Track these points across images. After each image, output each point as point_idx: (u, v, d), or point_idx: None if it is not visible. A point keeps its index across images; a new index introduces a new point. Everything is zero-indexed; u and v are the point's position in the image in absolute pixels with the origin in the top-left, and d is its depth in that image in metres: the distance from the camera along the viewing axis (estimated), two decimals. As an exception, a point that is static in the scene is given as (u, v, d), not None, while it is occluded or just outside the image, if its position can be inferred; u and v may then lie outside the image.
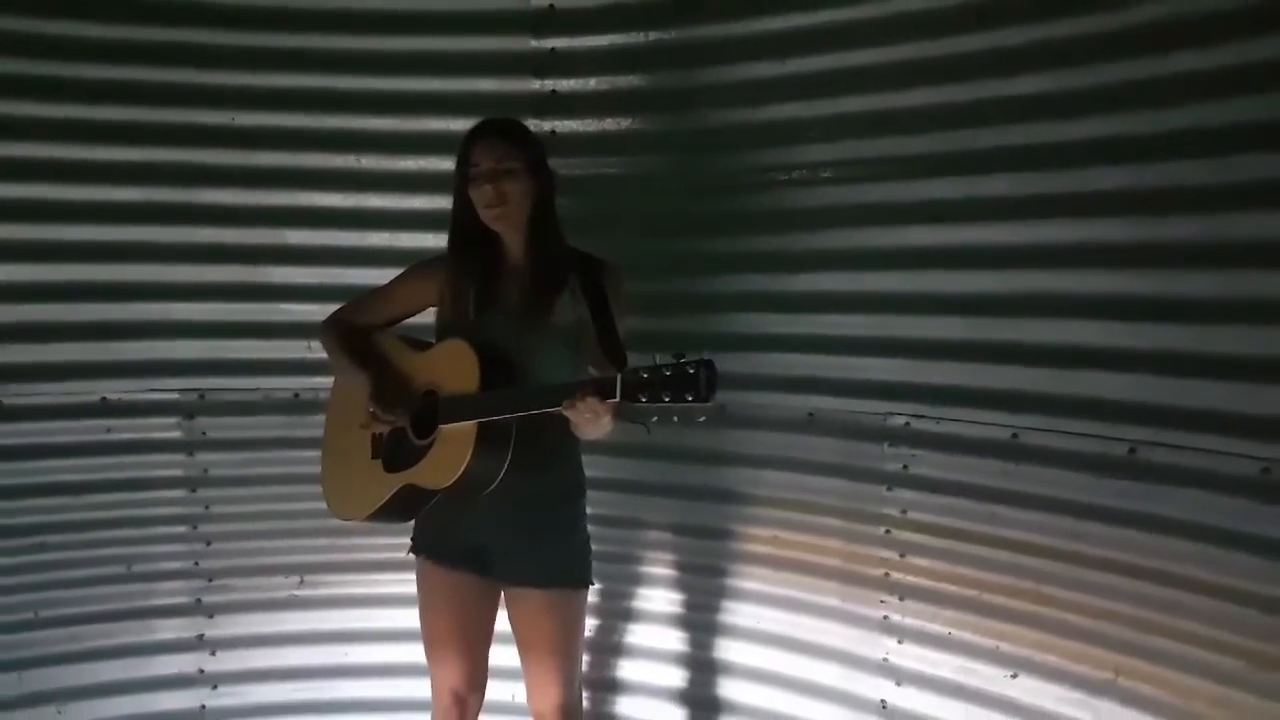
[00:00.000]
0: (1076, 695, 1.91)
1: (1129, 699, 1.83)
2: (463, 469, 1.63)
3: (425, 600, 1.89)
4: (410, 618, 2.40)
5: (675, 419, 1.42)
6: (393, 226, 2.36)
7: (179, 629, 2.49)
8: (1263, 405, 1.61)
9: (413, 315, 1.93)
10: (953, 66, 1.91)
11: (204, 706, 2.51)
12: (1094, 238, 1.79)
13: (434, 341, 1.85)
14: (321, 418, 2.33)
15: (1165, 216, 1.69)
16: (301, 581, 2.51)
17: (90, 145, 2.23)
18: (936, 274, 2.00)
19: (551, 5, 2.26)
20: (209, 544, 2.47)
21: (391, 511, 1.79)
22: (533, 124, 2.14)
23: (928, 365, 2.04)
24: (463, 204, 1.75)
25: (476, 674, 1.90)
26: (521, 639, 1.85)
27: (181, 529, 2.45)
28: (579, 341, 1.72)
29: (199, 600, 2.49)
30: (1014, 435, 1.94)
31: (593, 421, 1.52)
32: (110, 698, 2.44)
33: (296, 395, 2.41)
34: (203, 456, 2.43)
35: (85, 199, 2.26)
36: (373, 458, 1.82)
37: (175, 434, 2.41)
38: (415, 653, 2.40)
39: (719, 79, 2.21)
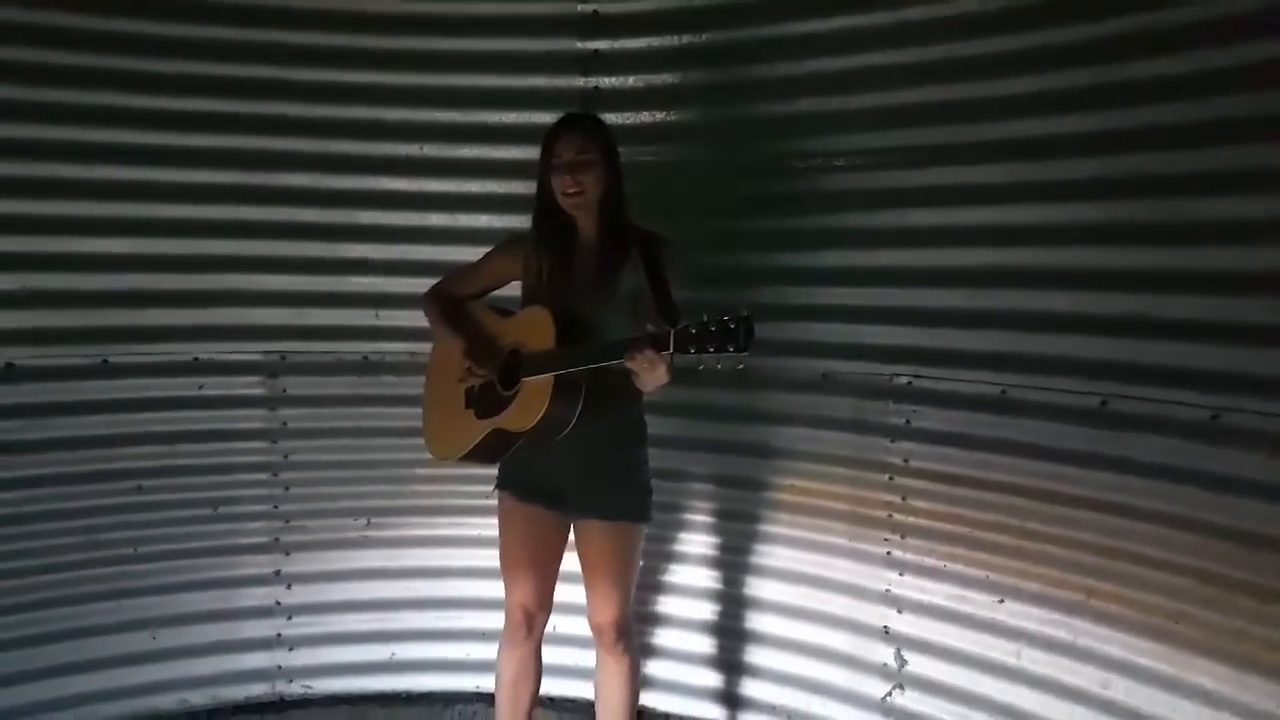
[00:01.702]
0: (1055, 616, 2.12)
1: (1099, 617, 2.05)
2: (542, 413, 1.86)
3: (505, 529, 2.12)
4: (465, 556, 2.71)
5: (719, 366, 1.64)
6: (452, 208, 2.59)
7: (259, 565, 2.70)
8: (1211, 361, 1.83)
9: (500, 287, 2.17)
10: (952, 68, 2.14)
11: (280, 635, 2.73)
12: (1069, 219, 2.02)
13: (518, 309, 2.08)
14: (387, 378, 2.63)
15: (1129, 200, 1.92)
16: (369, 523, 2.74)
17: (186, 133, 2.45)
18: (935, 251, 2.23)
19: (595, 11, 2.51)
20: (287, 489, 2.68)
21: (481, 453, 2.03)
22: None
23: (927, 331, 2.26)
24: (545, 189, 1.97)
25: (545, 594, 2.14)
26: (586, 564, 2.07)
27: (263, 475, 2.66)
28: (637, 306, 1.92)
29: (277, 539, 2.70)
30: (1002, 391, 2.15)
31: (650, 371, 1.73)
32: (197, 625, 2.65)
33: (365, 358, 2.64)
34: (283, 411, 2.65)
35: (182, 181, 2.47)
36: (465, 407, 2.05)
37: (259, 391, 2.63)
38: (470, 587, 2.70)
39: (744, 77, 2.45)
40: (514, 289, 2.15)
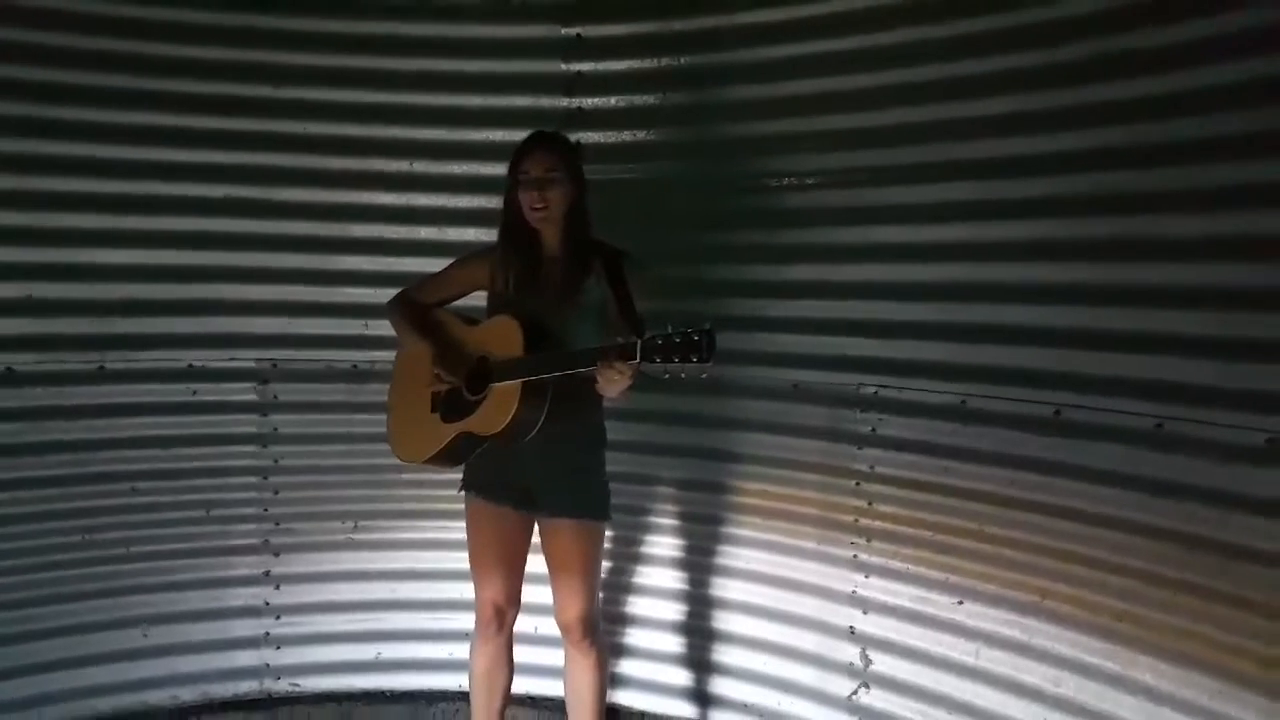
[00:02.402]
0: (1011, 617, 2.20)
1: (1052, 617, 2.12)
2: (510, 417, 1.95)
3: (472, 529, 2.22)
4: (449, 559, 2.76)
5: (683, 375, 1.73)
6: (440, 222, 2.69)
7: (249, 566, 2.78)
8: (1157, 372, 1.92)
9: (463, 296, 2.25)
10: (917, 91, 2.24)
11: (268, 634, 2.81)
12: (1025, 236, 2.12)
13: (481, 318, 2.17)
14: (375, 385, 2.70)
15: (1081, 219, 2.02)
16: (355, 526, 2.82)
17: (182, 149, 2.57)
18: (900, 266, 2.33)
19: (579, 35, 2.62)
20: (277, 492, 2.77)
21: (447, 455, 2.11)
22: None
23: (893, 343, 2.35)
24: (512, 203, 2.07)
25: (513, 591, 2.23)
26: (552, 562, 2.17)
27: (254, 479, 2.76)
28: (601, 316, 2.03)
29: (267, 541, 2.79)
30: (963, 401, 2.24)
31: (616, 380, 1.83)
32: (188, 623, 2.74)
33: (354, 366, 2.74)
34: (274, 417, 2.75)
35: (178, 194, 2.59)
36: (432, 411, 2.13)
37: (251, 397, 2.72)
38: (454, 589, 2.77)
39: (721, 99, 2.56)
40: (473, 298, 2.24)
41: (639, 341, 1.77)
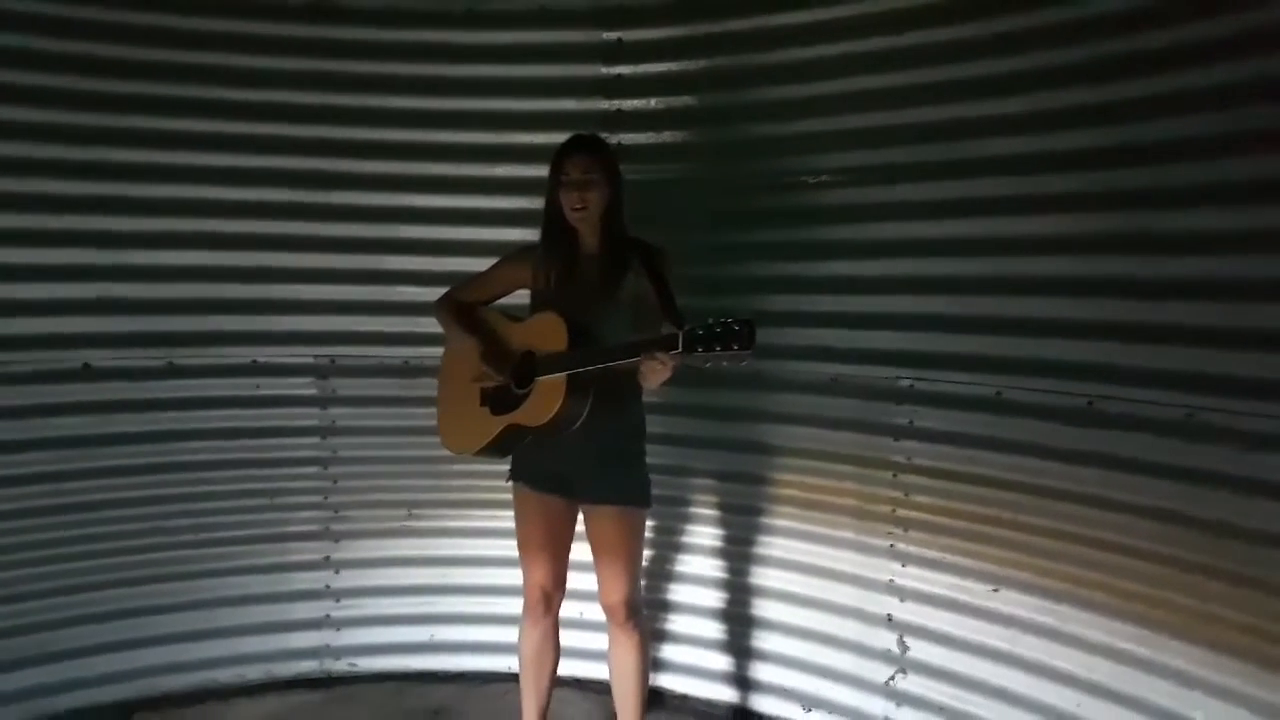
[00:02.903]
0: (1044, 604, 2.26)
1: (1085, 604, 2.18)
2: (556, 410, 2.03)
3: (521, 516, 2.31)
4: (498, 546, 2.87)
5: (724, 365, 1.80)
6: (487, 223, 2.77)
7: (310, 551, 2.91)
8: (1188, 363, 1.97)
9: (507, 295, 2.34)
10: (951, 89, 2.29)
11: (328, 615, 2.95)
12: (1060, 231, 2.16)
13: (524, 316, 2.25)
14: (425, 380, 2.79)
15: (1113, 213, 2.06)
16: (410, 514, 2.94)
17: (245, 155, 2.68)
18: (935, 260, 2.38)
19: (619, 39, 2.70)
20: (336, 482, 2.90)
21: (495, 447, 2.21)
22: (603, 137, 2.59)
23: (929, 336, 2.40)
24: (553, 204, 2.17)
25: (560, 575, 2.33)
26: (596, 547, 2.26)
27: (314, 469, 2.88)
28: (639, 311, 2.11)
29: (327, 528, 2.92)
30: (998, 393, 2.29)
31: (659, 371, 1.90)
32: (252, 606, 2.87)
33: (406, 362, 2.84)
34: (333, 410, 2.86)
35: (241, 199, 2.70)
36: (480, 405, 2.23)
37: (311, 391, 2.84)
38: (503, 575, 2.87)
39: (756, 99, 2.62)
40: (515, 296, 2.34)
41: (681, 333, 1.83)
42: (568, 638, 2.48)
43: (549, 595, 2.33)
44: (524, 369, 2.16)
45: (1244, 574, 1.92)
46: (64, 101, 2.53)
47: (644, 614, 2.38)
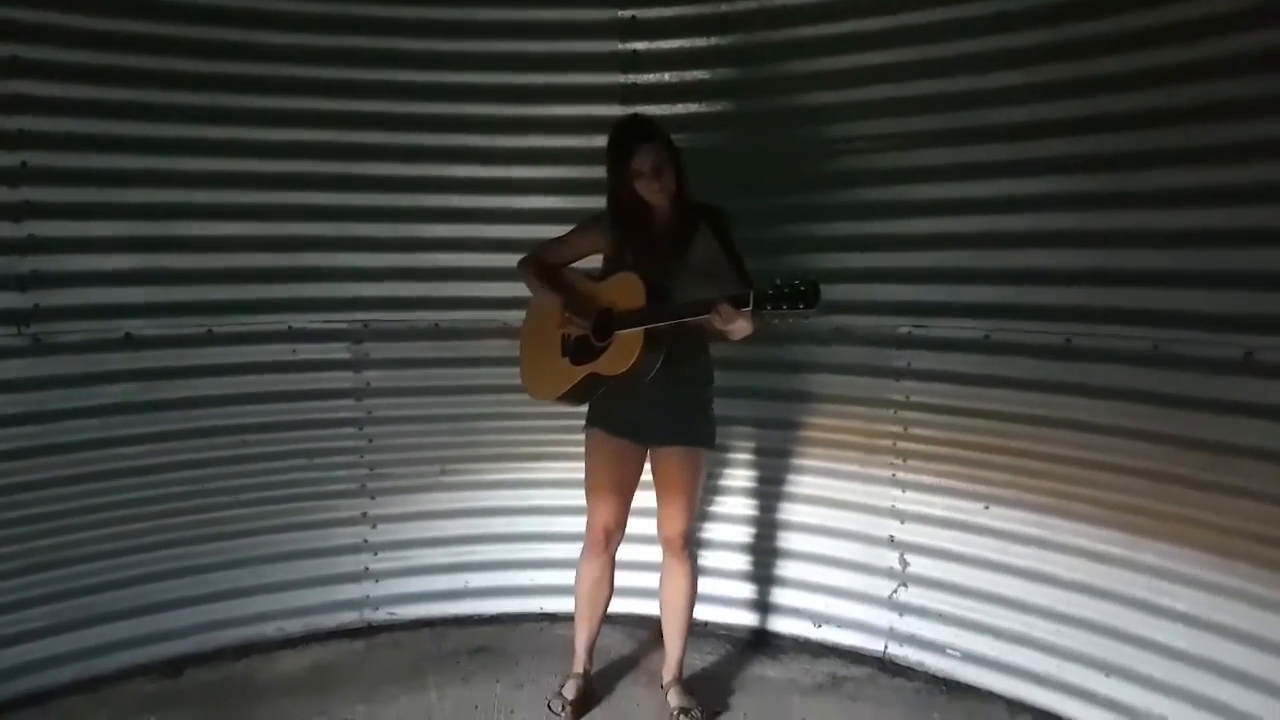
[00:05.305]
0: (1031, 516, 2.57)
1: (1067, 515, 2.50)
2: (634, 360, 2.23)
3: (593, 460, 2.48)
4: (529, 496, 3.09)
5: (790, 321, 2.03)
6: (513, 192, 2.95)
7: (348, 508, 3.05)
8: (1152, 302, 2.29)
9: (581, 259, 2.51)
10: (946, 64, 2.54)
11: (367, 568, 3.09)
12: (1040, 190, 2.45)
13: (599, 278, 2.42)
14: (455, 342, 2.98)
15: (1088, 174, 2.36)
16: (443, 470, 3.09)
17: (285, 128, 2.79)
18: (931, 220, 2.66)
19: (634, 17, 2.89)
20: (371, 441, 3.03)
21: (574, 394, 2.40)
22: (618, 110, 2.78)
23: (924, 288, 2.69)
24: (623, 188, 2.30)
25: (622, 516, 2.50)
26: (662, 484, 2.46)
27: (350, 429, 3.01)
28: (710, 271, 2.29)
29: (364, 485, 3.06)
30: (986, 335, 2.58)
31: (730, 323, 2.09)
32: (293, 561, 3.00)
33: (436, 325, 2.99)
34: (366, 373, 2.99)
35: (278, 171, 2.81)
36: (562, 356, 2.41)
37: (345, 355, 2.96)
38: (533, 523, 3.09)
39: (766, 74, 2.84)
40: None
41: (751, 291, 2.05)
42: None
43: (610, 534, 2.51)
44: (603, 322, 2.34)
45: (1205, 479, 2.25)
46: (106, 78, 2.59)
47: (696, 544, 2.60)
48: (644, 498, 2.56)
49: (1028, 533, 2.62)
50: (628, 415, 2.42)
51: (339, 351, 2.97)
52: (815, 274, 2.01)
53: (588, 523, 2.54)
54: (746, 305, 2.05)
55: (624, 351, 2.27)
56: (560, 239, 2.51)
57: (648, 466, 2.52)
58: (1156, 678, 2.37)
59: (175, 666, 2.85)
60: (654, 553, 2.77)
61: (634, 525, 2.57)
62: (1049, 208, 2.46)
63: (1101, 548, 2.48)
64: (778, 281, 2.02)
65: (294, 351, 2.92)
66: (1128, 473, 2.40)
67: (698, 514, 2.56)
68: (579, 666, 2.63)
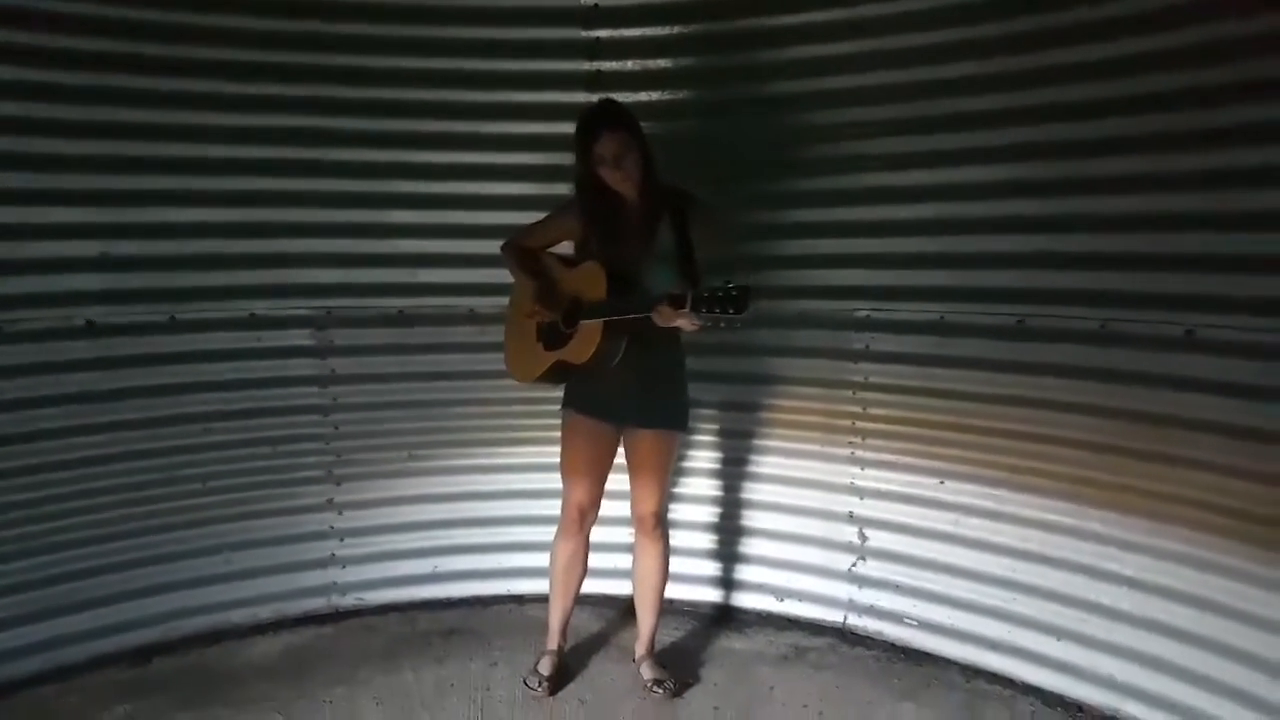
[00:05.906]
0: (984, 489, 2.69)
1: (1019, 487, 2.62)
2: (594, 350, 2.30)
3: (569, 441, 2.53)
4: (495, 481, 3.13)
5: (722, 325, 2.05)
6: (480, 178, 2.95)
7: (314, 495, 3.05)
8: (1099, 283, 2.39)
9: (557, 244, 2.54)
10: (903, 55, 2.60)
11: (333, 554, 3.10)
12: (992, 178, 2.54)
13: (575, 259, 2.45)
14: (420, 329, 3.00)
15: (1039, 161, 2.45)
16: (409, 455, 3.11)
17: (244, 114, 2.75)
18: (888, 207, 2.74)
19: (596, 4, 2.90)
20: (336, 427, 3.04)
21: (548, 378, 2.46)
22: (583, 96, 2.81)
23: (881, 273, 2.78)
24: (589, 174, 2.33)
25: (596, 496, 2.56)
26: (635, 464, 2.52)
27: (315, 416, 3.01)
28: (675, 259, 2.32)
29: (329, 471, 3.06)
30: (942, 318, 2.68)
31: (670, 321, 2.12)
32: (262, 548, 3.00)
33: (401, 311, 3.00)
34: (331, 360, 2.99)
35: (240, 156, 2.78)
36: (537, 340, 2.47)
37: (309, 341, 2.96)
38: (501, 507, 3.13)
39: (728, 63, 2.89)
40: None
41: (689, 294, 2.07)
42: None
43: (584, 514, 2.56)
44: (573, 311, 2.40)
45: (1148, 450, 2.37)
46: (64, 61, 2.54)
47: (668, 523, 2.66)
48: (614, 480, 2.61)
49: (981, 505, 2.73)
50: (602, 397, 2.46)
51: (303, 338, 2.97)
52: (752, 280, 2.01)
53: (563, 503, 2.58)
54: (684, 306, 2.07)
55: (585, 341, 2.33)
56: (538, 224, 2.54)
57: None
58: (1103, 639, 2.50)
59: (144, 654, 2.84)
60: (620, 534, 2.87)
61: (601, 507, 2.62)
62: (1001, 195, 2.55)
63: (1051, 518, 2.60)
64: (715, 284, 2.03)
65: (258, 339, 2.92)
66: (1076, 446, 2.51)
67: (668, 494, 2.62)
68: (553, 643, 2.68)
